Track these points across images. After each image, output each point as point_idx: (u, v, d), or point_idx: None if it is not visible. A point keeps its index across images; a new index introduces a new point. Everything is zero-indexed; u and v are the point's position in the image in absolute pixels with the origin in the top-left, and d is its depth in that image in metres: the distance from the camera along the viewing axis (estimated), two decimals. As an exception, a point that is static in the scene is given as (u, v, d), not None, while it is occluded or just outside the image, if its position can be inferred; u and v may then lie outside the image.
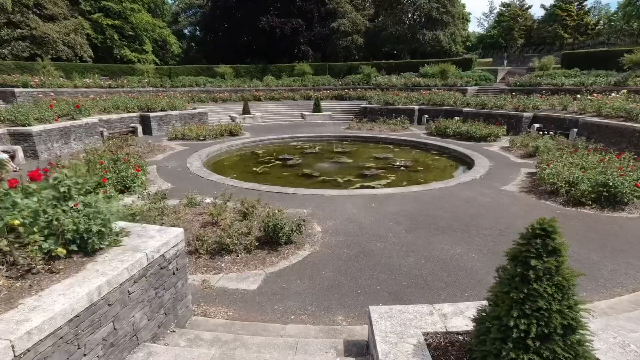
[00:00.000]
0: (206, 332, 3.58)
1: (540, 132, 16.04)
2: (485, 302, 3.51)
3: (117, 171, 8.97)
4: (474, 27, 64.82)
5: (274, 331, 3.80)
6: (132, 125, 18.32)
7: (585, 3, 45.38)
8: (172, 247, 3.64)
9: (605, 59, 31.55)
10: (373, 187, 10.14)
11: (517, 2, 51.40)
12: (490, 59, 46.64)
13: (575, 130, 15.41)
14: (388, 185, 10.52)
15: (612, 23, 51.17)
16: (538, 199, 8.38)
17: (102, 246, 3.23)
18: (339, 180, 11.11)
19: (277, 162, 13.69)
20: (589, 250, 5.80)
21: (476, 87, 29.41)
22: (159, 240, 3.49)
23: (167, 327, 3.59)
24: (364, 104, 25.56)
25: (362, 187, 10.34)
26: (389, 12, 45.47)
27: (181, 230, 3.80)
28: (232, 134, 18.53)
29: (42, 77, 23.05)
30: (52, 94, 21.66)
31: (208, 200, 7.51)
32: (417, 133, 19.39)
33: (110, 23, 38.07)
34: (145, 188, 8.89)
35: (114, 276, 2.85)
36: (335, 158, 14.29)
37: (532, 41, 56.39)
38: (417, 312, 3.25)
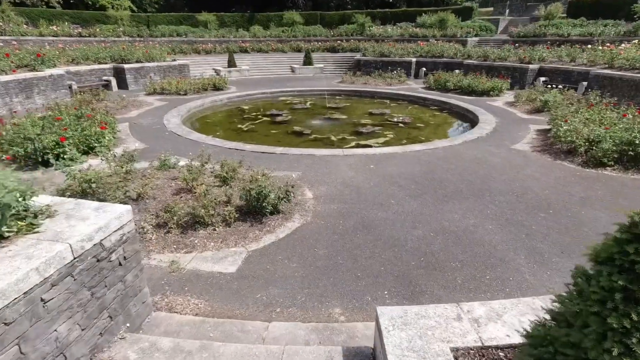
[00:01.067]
0: (166, 339, 2.77)
1: (548, 86, 14.95)
2: (526, 300, 2.76)
3: (80, 129, 7.84)
4: None
5: (255, 332, 3.02)
6: (104, 78, 16.70)
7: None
8: (115, 231, 2.72)
9: (613, 8, 29.75)
10: (370, 146, 9.19)
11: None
12: (491, 9, 44.01)
13: (585, 83, 14.37)
14: (386, 143, 9.58)
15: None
16: (553, 159, 7.56)
17: (6, 234, 2.30)
18: (333, 138, 10.12)
19: (265, 118, 12.55)
20: (620, 219, 5.07)
21: (476, 39, 27.73)
22: (94, 223, 2.57)
23: (114, 334, 2.77)
24: (358, 56, 23.88)
25: (357, 146, 9.39)
26: (385, -46, 41.86)
27: (127, 208, 2.86)
28: (217, 88, 17.08)
29: (0, 24, 20.74)
30: (14, 42, 19.57)
31: (183, 162, 6.52)
32: (414, 87, 18.15)
33: (78, -37, 34.39)
34: (112, 149, 7.83)
35: (11, 283, 1.95)
36: (328, 114, 13.17)
37: (535, -11, 53.23)
38: (441, 316, 2.45)
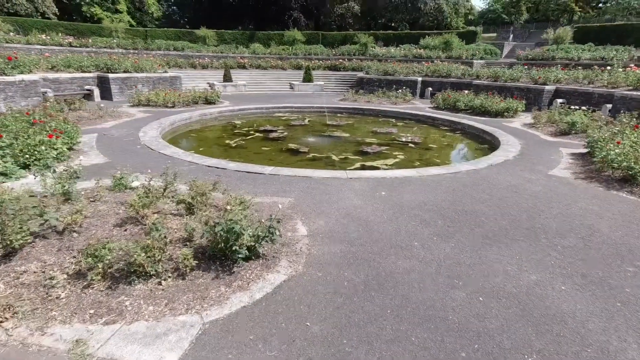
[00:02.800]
0: None
1: (570, 107, 13.72)
2: None
3: (24, 137, 6.38)
4: (475, 2, 61.35)
5: None
6: (87, 87, 15.41)
7: (598, -26, 42.48)
8: None
9: (620, 34, 29.26)
10: (378, 168, 7.76)
11: (526, -28, 48.13)
12: (494, 34, 43.81)
13: (609, 106, 13.16)
14: (397, 165, 8.15)
15: (620, 0, 48.47)
16: (606, 189, 6.11)
17: None
18: (334, 158, 8.69)
19: (258, 134, 11.16)
20: None
21: (482, 61, 26.88)
22: None
23: None
24: (361, 74, 22.87)
25: (363, 167, 7.96)
26: (388, -22, 41.96)
27: None
28: (208, 101, 15.81)
29: (-16, 30, 19.66)
30: (-2, 50, 18.41)
31: (138, 183, 5.01)
32: (421, 107, 16.93)
33: (78, -24, 33.95)
34: (64, 161, 6.36)
35: None
36: (328, 132, 11.81)
37: (536, 17, 53.57)
38: None
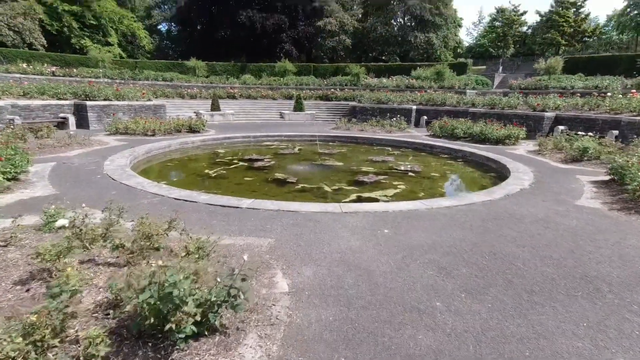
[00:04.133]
0: None
1: (572, 134, 13.02)
2: None
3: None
4: (463, 37, 63.09)
5: None
6: (61, 115, 14.41)
7: (582, 10, 43.94)
8: None
9: (608, 65, 29.63)
10: (378, 200, 6.70)
11: (512, 8, 49.76)
12: (484, 67, 44.49)
13: (615, 132, 12.48)
14: (399, 197, 7.10)
15: (603, 35, 50.14)
16: (652, 223, 5.09)
17: None
18: (326, 189, 7.62)
19: (242, 163, 10.11)
20: None
21: (474, 91, 26.68)
22: None
23: None
24: (353, 103, 22.35)
25: (359, 199, 6.89)
26: (378, 13, 42.91)
27: None
28: (192, 130, 14.87)
29: (-39, 58, 18.83)
30: (-27, 78, 17.53)
31: (64, 222, 3.83)
32: (417, 135, 16.19)
33: (67, 9, 33.93)
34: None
35: None
36: (320, 160, 10.83)
37: (522, 51, 55.01)
38: None
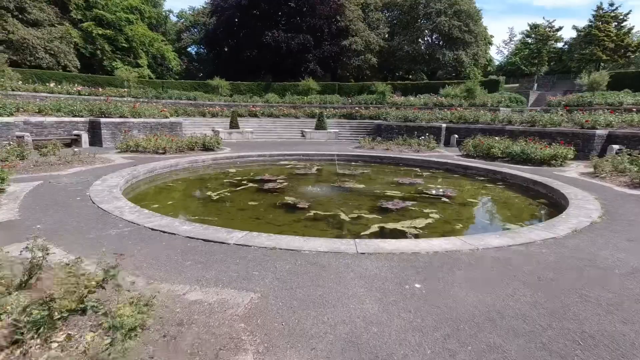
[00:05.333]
0: None
1: (636, 154, 11.23)
2: None
3: None
4: (493, 55, 61.19)
5: None
6: (75, 132, 14.03)
7: (624, 24, 41.39)
8: None
9: (659, 80, 27.15)
10: (405, 234, 5.41)
11: (546, 24, 47.75)
12: (517, 85, 42.46)
13: (687, 152, 10.61)
14: (431, 229, 5.76)
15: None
16: None
17: None
18: (342, 216, 6.39)
19: (252, 184, 9.07)
20: None
21: (508, 109, 24.92)
22: None
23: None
24: (379, 121, 21.20)
25: (382, 232, 5.61)
26: (405, 32, 42.12)
27: None
28: (206, 148, 14.10)
29: (-11, 78, 19.21)
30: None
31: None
32: (448, 154, 14.76)
33: (101, 33, 35.10)
34: None
35: None
36: (339, 182, 9.63)
37: (557, 68, 52.46)
38: None
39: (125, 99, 23.94)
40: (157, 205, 6.72)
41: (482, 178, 10.82)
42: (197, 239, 4.26)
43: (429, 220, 6.21)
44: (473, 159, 13.34)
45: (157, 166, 9.98)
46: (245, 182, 9.32)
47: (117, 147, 13.13)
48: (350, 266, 3.61)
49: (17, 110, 13.03)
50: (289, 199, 7.44)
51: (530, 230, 5.00)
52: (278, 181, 9.39)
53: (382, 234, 5.53)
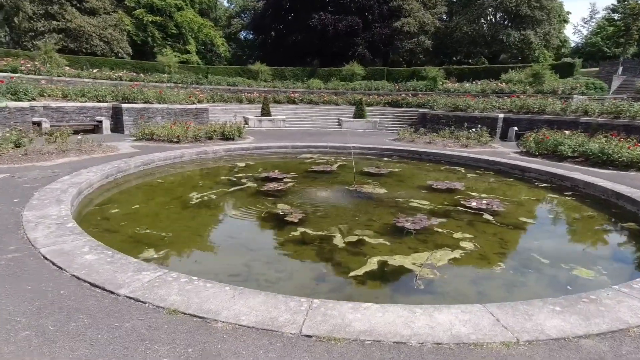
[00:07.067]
0: None
1: None
2: None
3: None
4: (568, 35, 53.45)
5: None
6: (97, 118, 13.65)
7: None
8: None
9: None
10: (415, 278, 3.71)
11: (639, -4, 40.66)
12: (595, 69, 36.73)
13: None
14: (455, 270, 3.98)
15: None
16: None
17: None
18: (337, 240, 4.79)
19: (251, 184, 7.71)
20: None
21: (583, 97, 21.15)
22: None
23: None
24: (424, 109, 18.86)
25: (381, 271, 3.95)
26: (465, 10, 38.07)
27: None
28: (225, 137, 13.04)
29: (35, 63, 19.71)
30: (43, 81, 18.03)
31: None
32: (503, 151, 12.35)
33: (152, 19, 35.68)
34: None
35: None
36: (358, 184, 7.94)
37: (648, 51, 44.79)
38: None
39: (165, 84, 23.81)
40: (116, 210, 5.59)
41: (544, 184, 8.52)
42: (83, 280, 2.93)
43: (456, 254, 4.39)
44: (534, 158, 10.89)
45: (156, 158, 8.99)
46: (245, 180, 7.98)
47: (133, 134, 12.49)
48: (273, 370, 2.06)
49: (41, 95, 12.82)
50: (281, 208, 5.95)
51: (617, 296, 3.04)
52: (284, 180, 7.94)
53: (381, 275, 3.87)
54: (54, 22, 30.51)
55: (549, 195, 7.78)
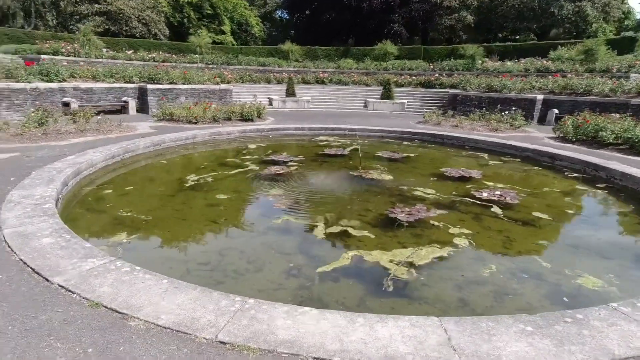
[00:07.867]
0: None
1: None
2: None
3: None
4: (633, 6, 47.57)
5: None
6: (124, 99, 14.04)
7: None
8: None
9: None
10: (389, 277, 3.38)
11: None
12: (663, 44, 32.68)
13: None
14: (436, 272, 3.59)
15: None
16: None
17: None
18: (319, 229, 4.52)
19: (254, 167, 7.56)
20: None
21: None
22: None
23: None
24: (456, 90, 17.74)
25: (355, 267, 3.65)
26: (513, -19, 35.05)
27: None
28: (244, 118, 12.98)
29: (74, 45, 20.57)
30: (82, 63, 18.85)
31: None
32: (536, 136, 11.35)
33: (188, 0, 36.06)
34: None
35: None
36: (364, 170, 7.54)
37: None
38: None
39: (197, 65, 24.12)
40: (109, 191, 5.65)
41: (574, 174, 7.68)
42: (27, 265, 2.89)
43: (444, 252, 3.99)
44: (570, 144, 9.89)
45: (167, 139, 9.07)
46: (249, 163, 7.84)
47: (154, 115, 12.74)
48: (167, 380, 1.88)
49: (72, 76, 13.32)
50: (272, 194, 5.76)
51: (611, 316, 2.54)
52: (289, 164, 7.72)
53: (353, 272, 3.58)
54: (96, 5, 31.68)
55: (578, 187, 6.98)
